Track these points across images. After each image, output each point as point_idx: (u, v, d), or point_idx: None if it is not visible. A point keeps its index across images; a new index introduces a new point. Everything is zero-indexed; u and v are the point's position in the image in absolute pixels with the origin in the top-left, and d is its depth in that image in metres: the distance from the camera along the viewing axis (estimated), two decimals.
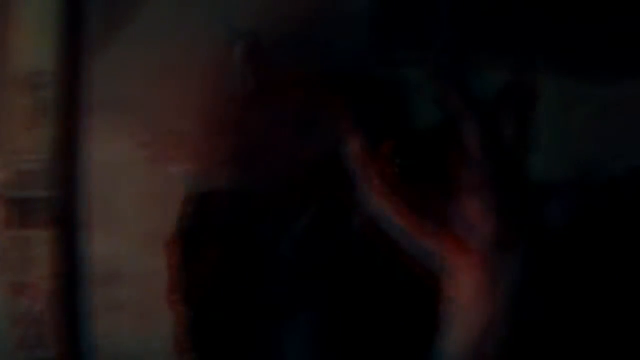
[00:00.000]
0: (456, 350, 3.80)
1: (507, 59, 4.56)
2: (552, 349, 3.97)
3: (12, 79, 4.60)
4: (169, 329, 4.42)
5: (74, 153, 4.66)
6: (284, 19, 4.48)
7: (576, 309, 4.17)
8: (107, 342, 4.59)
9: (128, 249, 4.58)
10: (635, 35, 4.57)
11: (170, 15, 4.70)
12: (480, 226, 3.83)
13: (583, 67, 4.65)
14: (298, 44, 4.44)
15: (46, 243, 4.55)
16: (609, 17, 4.57)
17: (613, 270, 4.32)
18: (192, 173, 4.56)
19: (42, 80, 4.63)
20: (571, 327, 4.15)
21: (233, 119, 4.56)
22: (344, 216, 4.23)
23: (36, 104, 4.62)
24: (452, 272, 3.87)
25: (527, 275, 3.83)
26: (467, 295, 3.81)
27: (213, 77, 4.58)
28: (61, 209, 4.58)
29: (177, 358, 4.29)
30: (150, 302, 4.53)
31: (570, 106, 4.64)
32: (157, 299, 4.47)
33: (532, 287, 3.86)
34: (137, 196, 4.64)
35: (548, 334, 3.94)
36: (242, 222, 4.31)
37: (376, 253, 4.16)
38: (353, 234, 4.28)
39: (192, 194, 4.42)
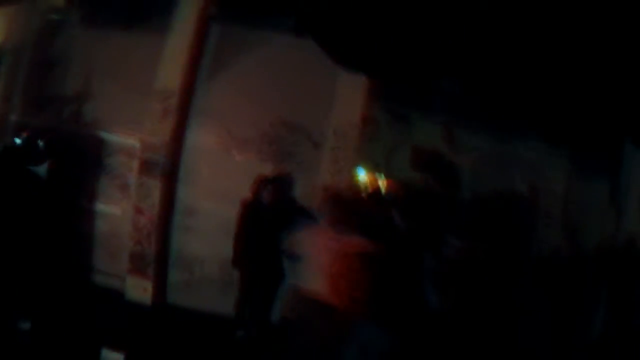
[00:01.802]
0: None
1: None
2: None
3: (154, 91, 7.81)
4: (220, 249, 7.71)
5: (181, 138, 7.95)
6: None
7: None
8: (183, 249, 8.00)
9: (203, 196, 7.96)
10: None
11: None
12: None
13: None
14: None
15: (158, 187, 7.83)
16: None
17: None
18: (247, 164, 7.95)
19: (169, 93, 7.85)
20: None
21: None
22: None
23: (164, 107, 7.85)
24: None
25: None
26: None
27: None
28: (169, 169, 7.88)
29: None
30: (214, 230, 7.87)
31: None
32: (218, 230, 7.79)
33: None
34: (214, 169, 7.98)
35: None
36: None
37: None
38: None
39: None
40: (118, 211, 7.99)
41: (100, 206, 8.08)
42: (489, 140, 7.99)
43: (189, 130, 8.01)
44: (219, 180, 7.90)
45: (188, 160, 8.02)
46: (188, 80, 7.94)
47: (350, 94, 7.90)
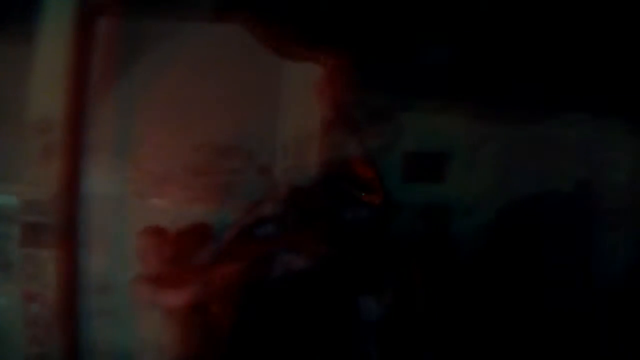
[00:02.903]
0: None
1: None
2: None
3: (28, 124, 5.54)
4: (148, 332, 5.44)
5: (75, 186, 5.68)
6: None
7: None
8: (101, 340, 5.67)
9: (119, 264, 5.67)
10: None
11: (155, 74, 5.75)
12: None
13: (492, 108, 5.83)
14: None
15: (53, 259, 5.56)
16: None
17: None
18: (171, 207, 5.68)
19: (50, 126, 5.59)
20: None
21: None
22: None
23: (45, 145, 5.59)
24: None
25: None
26: None
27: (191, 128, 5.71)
28: (65, 232, 5.61)
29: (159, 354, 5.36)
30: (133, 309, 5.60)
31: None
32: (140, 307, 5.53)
33: None
34: (127, 222, 5.71)
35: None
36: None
37: None
38: None
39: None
40: (1, 301, 5.69)
41: None
42: (510, 124, 5.71)
43: (84, 173, 5.71)
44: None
45: (90, 216, 5.70)
46: (74, 103, 5.67)
47: (304, 91, 5.64)
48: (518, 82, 5.74)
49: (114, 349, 5.67)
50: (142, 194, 5.70)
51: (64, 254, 5.60)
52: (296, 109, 5.74)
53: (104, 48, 5.74)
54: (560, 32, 5.63)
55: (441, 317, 5.16)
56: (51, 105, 5.58)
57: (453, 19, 5.74)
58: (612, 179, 5.77)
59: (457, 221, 5.91)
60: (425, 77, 5.68)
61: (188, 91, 5.71)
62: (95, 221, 5.70)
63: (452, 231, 5.91)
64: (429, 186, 5.94)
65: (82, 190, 5.71)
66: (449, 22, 5.74)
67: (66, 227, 5.62)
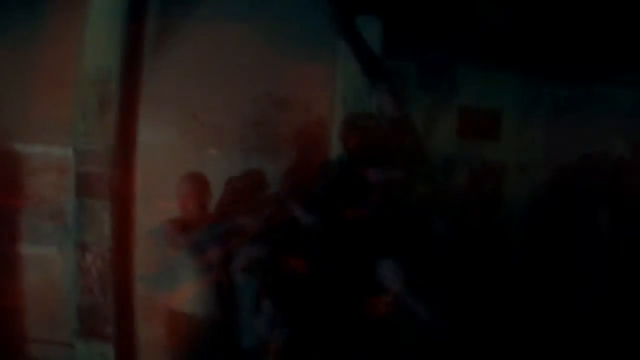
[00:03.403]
0: None
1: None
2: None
3: (82, 75, 5.47)
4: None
5: (131, 137, 5.61)
6: None
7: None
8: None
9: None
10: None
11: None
12: None
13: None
14: None
15: (107, 209, 5.50)
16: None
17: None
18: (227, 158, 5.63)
19: (105, 76, 5.52)
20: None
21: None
22: None
23: (101, 96, 5.53)
24: None
25: None
26: None
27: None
28: (120, 183, 5.54)
29: None
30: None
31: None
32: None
33: None
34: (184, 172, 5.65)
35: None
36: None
37: None
38: None
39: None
40: (52, 251, 5.64)
41: (26, 248, 5.69)
42: (563, 84, 5.64)
43: (141, 124, 5.64)
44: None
45: (146, 165, 5.63)
46: (130, 54, 5.58)
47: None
48: (573, 42, 5.66)
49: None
50: (198, 145, 5.64)
51: (119, 204, 5.53)
52: (352, 59, 5.65)
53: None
54: None
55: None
56: (106, 56, 5.48)
57: None
58: None
59: (510, 179, 5.87)
60: (481, 35, 5.62)
61: (245, 43, 5.64)
62: (151, 172, 5.61)
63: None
64: (483, 142, 5.88)
65: (138, 142, 5.63)
66: None
67: (121, 177, 5.53)
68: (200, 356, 4.87)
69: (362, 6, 5.54)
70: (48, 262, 5.63)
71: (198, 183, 5.16)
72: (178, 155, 5.61)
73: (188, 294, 4.99)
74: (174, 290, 5.00)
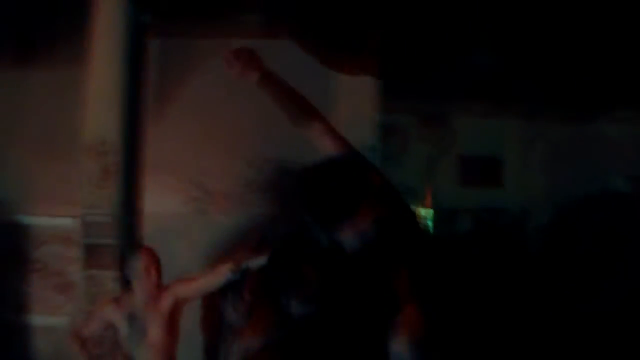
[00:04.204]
0: None
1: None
2: None
3: (85, 147, 5.53)
4: None
5: (133, 208, 5.65)
6: None
7: None
8: None
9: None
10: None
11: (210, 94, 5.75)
12: None
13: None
14: None
15: (116, 280, 5.51)
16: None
17: None
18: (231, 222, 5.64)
19: (107, 147, 5.57)
20: None
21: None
22: None
23: (103, 167, 5.58)
24: None
25: None
26: None
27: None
28: (127, 253, 5.56)
29: None
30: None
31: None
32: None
33: None
34: (185, 243, 5.68)
35: None
36: None
37: None
38: None
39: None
40: (63, 323, 5.66)
41: (36, 318, 5.71)
42: (561, 123, 5.67)
43: (145, 192, 5.70)
44: (195, 257, 5.55)
45: (152, 234, 5.66)
46: (131, 123, 5.66)
47: (353, 100, 5.62)
48: (567, 80, 5.70)
49: None
50: (203, 210, 5.67)
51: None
52: (347, 117, 5.69)
53: (154, 67, 5.75)
54: (610, 30, 5.60)
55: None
56: (107, 127, 5.55)
57: (499, 23, 5.72)
58: None
59: (513, 224, 5.86)
60: (475, 81, 5.66)
61: (240, 106, 5.69)
62: (158, 239, 5.63)
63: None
64: (485, 190, 5.89)
65: (142, 210, 5.67)
66: (496, 26, 5.72)
67: (128, 245, 5.57)
68: None
69: (358, 69, 5.59)
70: (59, 334, 5.61)
71: (155, 256, 5.01)
72: (183, 223, 5.62)
73: None
74: None
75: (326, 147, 3.11)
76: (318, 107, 5.46)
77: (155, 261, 4.80)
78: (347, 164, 3.00)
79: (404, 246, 2.88)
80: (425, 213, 5.72)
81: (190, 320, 4.90)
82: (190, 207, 5.66)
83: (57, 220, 5.68)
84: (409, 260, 2.86)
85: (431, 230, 5.61)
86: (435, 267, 3.05)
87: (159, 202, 5.71)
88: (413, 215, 3.02)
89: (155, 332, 4.72)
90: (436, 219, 5.68)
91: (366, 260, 2.87)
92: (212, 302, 4.54)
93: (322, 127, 3.21)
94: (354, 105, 5.68)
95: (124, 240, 5.55)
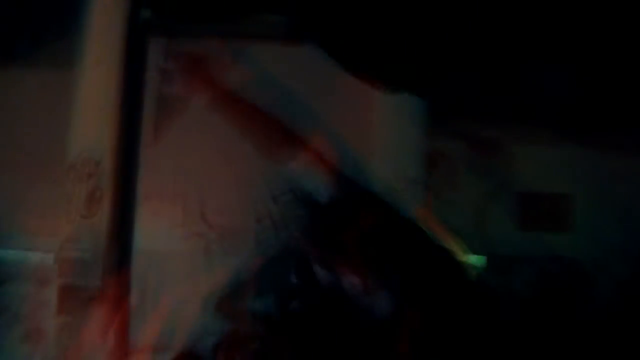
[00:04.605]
0: None
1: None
2: None
3: (68, 165, 4.65)
4: None
5: (125, 242, 4.73)
6: None
7: None
8: None
9: (179, 337, 4.64)
10: None
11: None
12: None
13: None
14: None
15: (97, 330, 4.57)
16: None
17: None
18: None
19: (95, 168, 4.70)
20: None
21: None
22: None
23: (89, 191, 4.69)
24: None
25: None
26: None
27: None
28: (112, 297, 4.64)
29: None
30: None
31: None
32: None
33: None
34: (184, 288, 4.72)
35: None
36: None
37: None
38: None
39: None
40: None
41: None
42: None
43: (138, 225, 4.75)
44: (196, 305, 4.60)
45: (144, 276, 4.70)
46: (127, 140, 4.79)
47: (392, 122, 4.69)
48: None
49: None
50: (206, 250, 4.73)
51: (112, 324, 4.60)
52: (386, 146, 4.76)
53: (157, 74, 4.86)
54: None
55: None
56: (97, 143, 4.75)
57: (572, 37, 4.79)
58: None
59: (583, 278, 4.85)
60: (543, 102, 4.71)
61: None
62: (150, 284, 4.70)
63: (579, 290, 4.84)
64: (550, 235, 4.91)
65: (133, 247, 4.76)
66: (568, 40, 4.79)
67: (114, 291, 4.63)
68: None
69: (402, 85, 4.70)
70: None
71: None
72: (183, 264, 4.67)
73: None
74: None
75: (315, 180, 2.86)
76: (348, 130, 4.69)
77: None
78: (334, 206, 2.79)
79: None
80: (476, 260, 4.73)
81: None
82: (192, 244, 4.69)
83: (27, 255, 4.74)
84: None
85: (480, 280, 4.64)
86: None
87: (154, 236, 4.77)
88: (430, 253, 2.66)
89: None
90: (489, 267, 4.67)
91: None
92: None
93: (307, 158, 2.88)
94: (392, 127, 4.75)
95: (109, 283, 4.66)
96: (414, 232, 2.79)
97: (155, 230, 4.78)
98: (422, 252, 2.86)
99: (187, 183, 4.81)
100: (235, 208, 4.73)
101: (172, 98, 4.85)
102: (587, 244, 4.87)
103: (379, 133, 4.75)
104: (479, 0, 4.65)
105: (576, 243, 4.88)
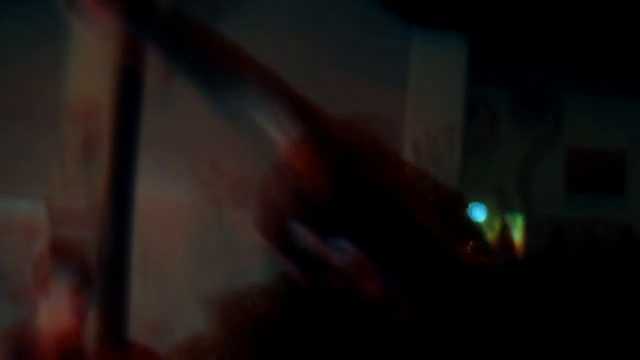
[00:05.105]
0: None
1: None
2: None
3: (64, 106, 4.19)
4: None
5: (126, 190, 4.26)
6: None
7: None
8: None
9: (182, 299, 4.18)
10: None
11: None
12: None
13: None
14: None
15: (89, 289, 4.10)
16: None
17: None
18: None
19: (94, 110, 4.22)
20: None
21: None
22: None
23: (86, 135, 4.21)
24: None
25: None
26: None
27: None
28: (108, 252, 4.16)
29: None
30: None
31: None
32: None
33: None
34: (191, 245, 4.26)
35: None
36: None
37: None
38: None
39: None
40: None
41: None
42: None
43: (140, 173, 4.27)
44: (205, 265, 4.13)
45: (145, 229, 4.22)
46: (128, 80, 4.27)
47: (434, 71, 4.18)
48: None
49: None
50: (216, 204, 4.24)
51: (106, 283, 4.13)
52: (425, 95, 4.26)
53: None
54: None
55: None
56: (96, 83, 4.24)
57: None
58: None
59: (635, 243, 4.37)
60: (602, 46, 4.19)
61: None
62: (149, 242, 4.22)
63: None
64: (600, 196, 4.42)
65: (133, 198, 4.28)
66: None
67: (111, 245, 4.16)
68: None
69: (445, 20, 4.18)
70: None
71: None
72: (189, 216, 4.20)
73: None
74: None
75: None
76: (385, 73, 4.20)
77: None
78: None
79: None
80: (514, 221, 4.25)
81: None
82: (199, 194, 4.21)
83: (14, 202, 4.26)
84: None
85: (520, 242, 4.16)
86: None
87: (158, 185, 4.29)
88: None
89: None
90: (529, 230, 4.19)
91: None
92: None
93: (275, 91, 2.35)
94: (432, 71, 4.25)
95: (105, 236, 4.19)
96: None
97: (159, 179, 4.29)
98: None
99: (196, 127, 4.31)
100: (248, 155, 4.23)
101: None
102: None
103: (417, 77, 4.25)
104: None
105: (628, 207, 4.42)
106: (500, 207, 4.13)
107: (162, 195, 4.32)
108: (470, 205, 4.02)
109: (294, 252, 2.54)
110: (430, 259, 2.40)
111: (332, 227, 2.34)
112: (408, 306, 2.31)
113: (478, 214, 4.16)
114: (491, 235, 4.21)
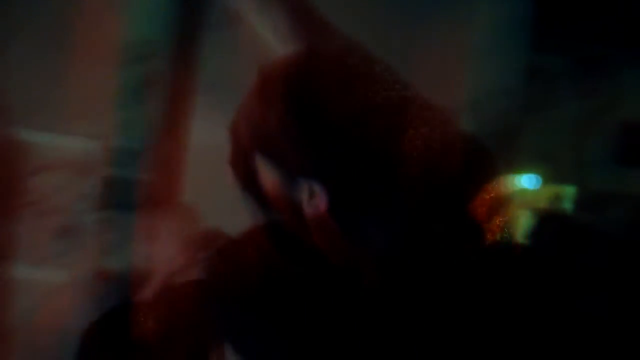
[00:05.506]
0: None
1: None
2: None
3: (122, 47, 4.18)
4: None
5: (181, 132, 4.29)
6: None
7: None
8: None
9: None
10: None
11: None
12: None
13: None
14: None
15: (143, 228, 4.13)
16: None
17: None
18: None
19: (151, 50, 4.22)
20: None
21: None
22: None
23: (142, 75, 4.22)
24: None
25: None
26: None
27: None
28: (162, 193, 4.20)
29: None
30: None
31: None
32: None
33: None
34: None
35: None
36: None
37: None
38: None
39: None
40: (60, 277, 4.21)
41: (21, 271, 4.23)
42: None
43: (196, 117, 4.24)
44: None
45: (198, 173, 4.20)
46: (186, 23, 4.29)
47: (493, 32, 4.18)
48: None
49: None
50: None
51: (159, 222, 4.15)
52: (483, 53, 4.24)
53: None
54: None
55: None
56: (154, 25, 4.24)
57: None
58: None
59: None
60: None
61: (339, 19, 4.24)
62: (204, 182, 4.23)
63: None
64: None
65: (190, 140, 4.30)
66: None
67: (165, 185, 4.16)
68: None
69: None
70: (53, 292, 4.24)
71: None
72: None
73: None
74: None
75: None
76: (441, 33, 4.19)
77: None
78: None
79: None
80: (565, 192, 4.19)
81: None
82: None
83: (67, 140, 4.26)
84: None
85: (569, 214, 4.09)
86: None
87: (212, 131, 4.27)
88: None
89: None
90: (579, 201, 4.12)
91: None
92: None
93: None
94: (491, 31, 4.22)
95: (160, 177, 4.21)
96: None
97: (214, 125, 4.29)
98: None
99: (253, 75, 4.29)
100: None
101: None
102: None
103: (476, 38, 4.23)
104: None
105: None
106: (552, 177, 4.11)
107: (214, 142, 4.33)
108: (517, 175, 4.02)
109: (257, 191, 2.40)
110: (448, 230, 2.21)
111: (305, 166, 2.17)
112: (375, 273, 2.09)
113: (529, 182, 4.14)
114: (541, 205, 4.18)
